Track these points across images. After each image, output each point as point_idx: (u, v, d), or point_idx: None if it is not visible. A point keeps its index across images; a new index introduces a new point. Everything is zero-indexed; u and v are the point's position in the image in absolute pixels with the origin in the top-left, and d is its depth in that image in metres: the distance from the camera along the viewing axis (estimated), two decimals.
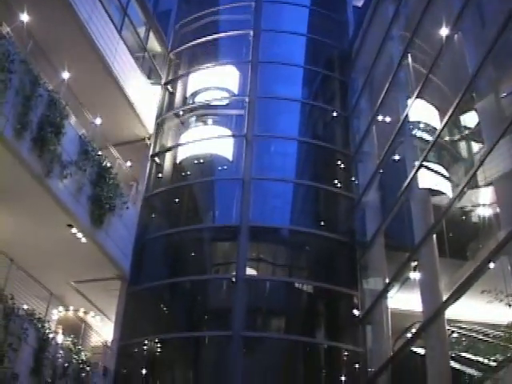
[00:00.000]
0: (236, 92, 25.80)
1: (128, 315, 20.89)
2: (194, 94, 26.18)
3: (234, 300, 20.34)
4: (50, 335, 16.24)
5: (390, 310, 18.57)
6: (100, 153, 19.34)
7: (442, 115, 16.77)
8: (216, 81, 26.18)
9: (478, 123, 14.97)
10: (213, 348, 21.69)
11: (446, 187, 17.18)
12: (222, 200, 24.17)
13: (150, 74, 25.92)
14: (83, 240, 18.63)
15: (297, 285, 22.61)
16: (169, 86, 26.99)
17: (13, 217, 17.46)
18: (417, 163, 17.59)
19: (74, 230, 18.26)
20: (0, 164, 15.03)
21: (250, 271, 21.73)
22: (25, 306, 15.36)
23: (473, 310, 15.18)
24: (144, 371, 21.16)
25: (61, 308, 20.46)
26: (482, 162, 13.84)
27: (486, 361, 13.94)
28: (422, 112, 18.78)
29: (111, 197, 19.39)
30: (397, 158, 20.27)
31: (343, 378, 21.01)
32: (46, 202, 16.84)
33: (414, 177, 17.63)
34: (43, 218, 17.66)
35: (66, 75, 18.16)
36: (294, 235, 23.49)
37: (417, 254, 16.75)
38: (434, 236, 16.08)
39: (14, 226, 17.74)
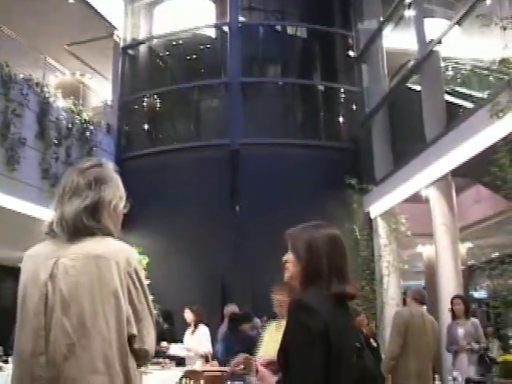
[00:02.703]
0: None
1: (125, 73, 20.99)
2: None
3: (230, 49, 20.25)
4: (51, 99, 16.44)
5: (385, 49, 18.57)
6: None
7: None
8: None
9: None
10: (212, 98, 22.06)
11: None
12: None
13: None
14: (71, 0, 18.22)
15: (291, 31, 22.42)
16: None
17: None
18: None
19: None
20: None
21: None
22: (21, 75, 15.37)
23: (467, 47, 15.24)
24: (146, 126, 21.72)
25: (57, 73, 20.42)
26: None
27: (479, 94, 14.28)
28: None
29: None
30: None
31: (341, 119, 21.61)
32: None
33: None
34: None
35: None
36: None
37: None
38: None
39: None
